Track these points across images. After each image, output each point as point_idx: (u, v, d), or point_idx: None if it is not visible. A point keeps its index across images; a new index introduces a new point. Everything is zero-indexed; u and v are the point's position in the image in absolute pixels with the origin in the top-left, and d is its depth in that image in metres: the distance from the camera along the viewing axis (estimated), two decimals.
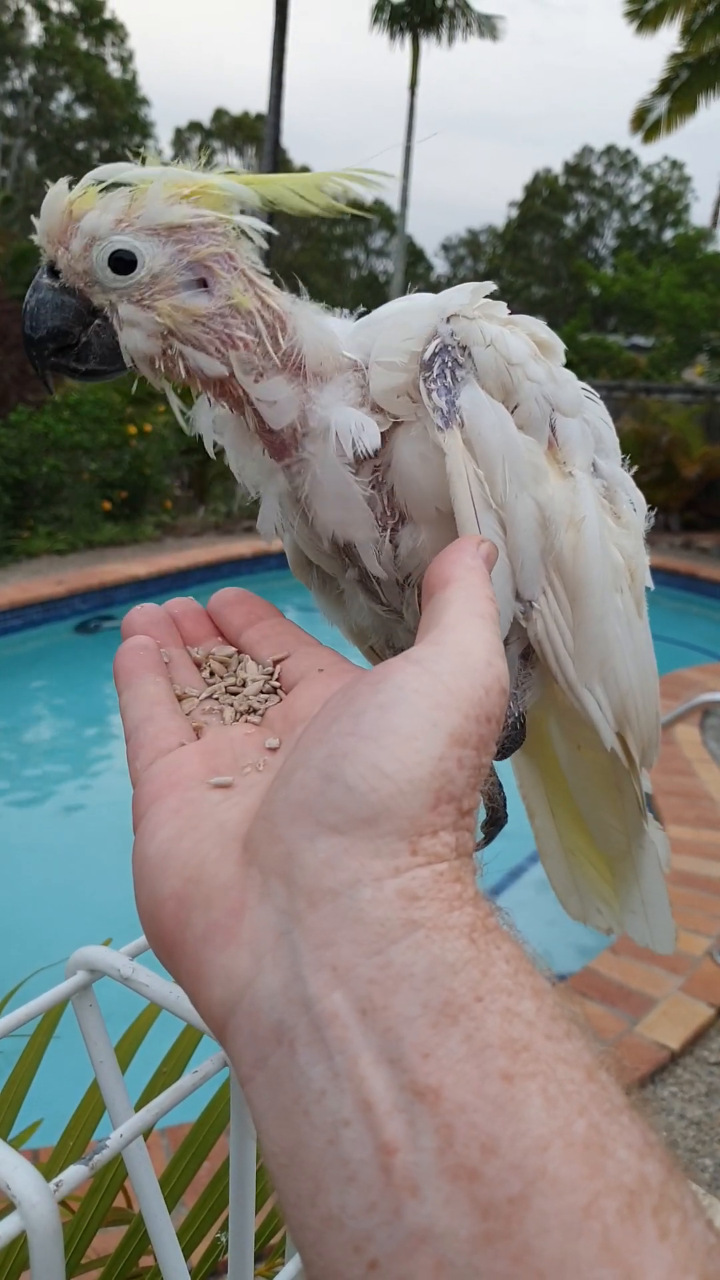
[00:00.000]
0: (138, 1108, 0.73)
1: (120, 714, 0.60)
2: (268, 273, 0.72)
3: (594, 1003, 3.52)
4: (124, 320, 0.68)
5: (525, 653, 0.78)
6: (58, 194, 0.67)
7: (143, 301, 0.67)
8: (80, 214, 0.66)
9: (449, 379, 0.68)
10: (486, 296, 0.75)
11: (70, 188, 0.68)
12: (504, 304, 0.75)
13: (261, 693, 0.62)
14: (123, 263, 0.67)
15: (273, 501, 0.77)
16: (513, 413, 0.70)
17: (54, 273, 0.68)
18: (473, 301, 0.72)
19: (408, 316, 0.71)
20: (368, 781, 0.41)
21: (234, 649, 0.67)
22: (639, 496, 0.85)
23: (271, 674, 0.63)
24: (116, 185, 0.68)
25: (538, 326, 0.77)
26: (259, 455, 0.73)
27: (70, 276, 0.68)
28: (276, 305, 0.70)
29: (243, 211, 0.69)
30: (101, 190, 0.67)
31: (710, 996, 3.56)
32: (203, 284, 0.68)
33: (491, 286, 0.75)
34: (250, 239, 0.70)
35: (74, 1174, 0.57)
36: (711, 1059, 3.34)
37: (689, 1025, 3.41)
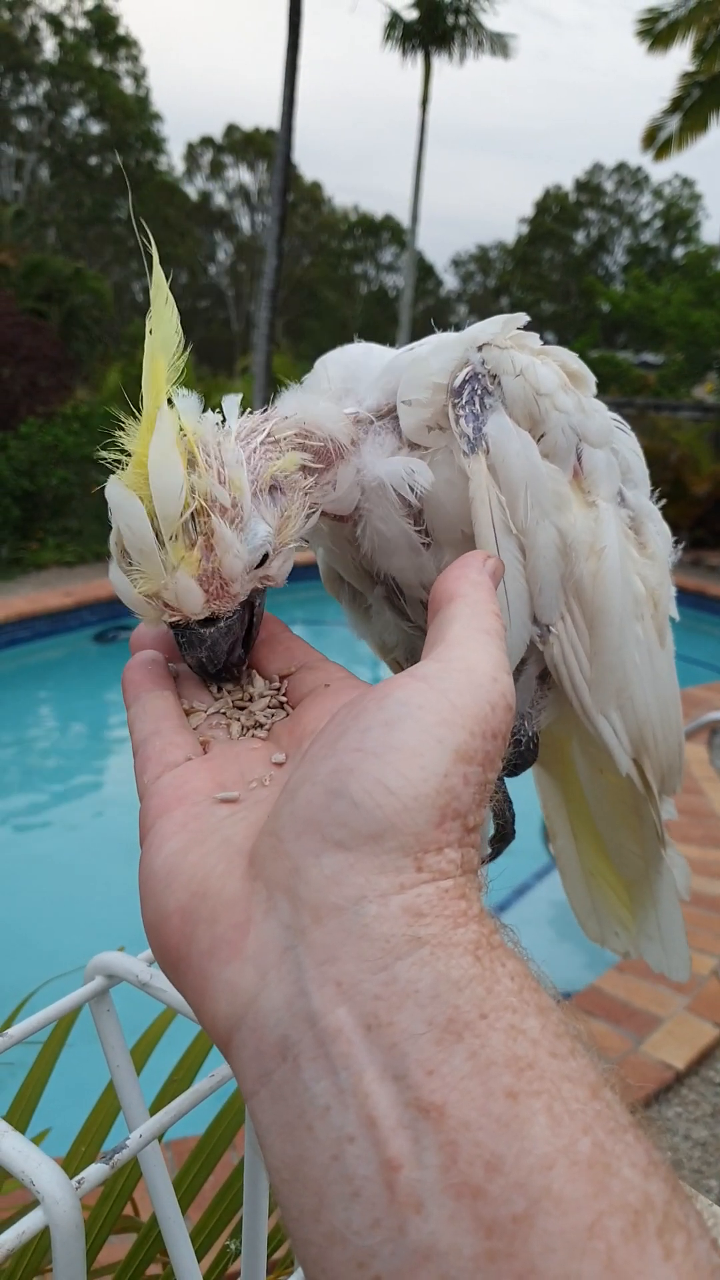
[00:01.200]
0: (153, 1113, 0.73)
1: (128, 727, 0.60)
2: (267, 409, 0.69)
3: (599, 1021, 3.50)
4: (276, 574, 0.65)
5: (543, 675, 0.78)
6: (184, 585, 0.58)
7: (276, 552, 0.65)
8: (219, 567, 0.59)
9: (477, 406, 0.69)
10: (520, 328, 0.76)
11: (167, 568, 0.58)
12: (536, 335, 0.76)
13: (268, 707, 0.62)
14: (264, 556, 0.63)
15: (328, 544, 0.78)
16: (539, 441, 0.71)
17: (209, 620, 0.61)
18: (504, 331, 0.73)
19: (431, 355, 0.71)
20: (373, 798, 0.41)
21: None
22: (665, 529, 0.86)
23: (279, 689, 0.64)
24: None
25: (569, 358, 0.78)
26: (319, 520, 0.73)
27: (233, 609, 0.62)
28: (297, 429, 0.67)
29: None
30: (174, 540, 0.58)
31: (717, 1016, 3.54)
32: (272, 489, 0.65)
33: (525, 318, 0.76)
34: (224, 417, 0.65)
35: (95, 1171, 0.58)
36: (717, 1079, 3.31)
37: (695, 1045, 3.39)
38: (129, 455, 0.58)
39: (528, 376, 0.70)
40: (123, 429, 0.59)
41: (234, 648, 0.63)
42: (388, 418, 0.73)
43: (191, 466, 0.57)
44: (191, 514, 0.57)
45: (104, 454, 0.58)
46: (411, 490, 0.70)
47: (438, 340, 0.74)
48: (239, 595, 0.61)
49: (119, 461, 0.58)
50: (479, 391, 0.69)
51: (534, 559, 0.70)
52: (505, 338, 0.72)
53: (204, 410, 0.61)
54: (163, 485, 0.56)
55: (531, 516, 0.69)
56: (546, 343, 0.77)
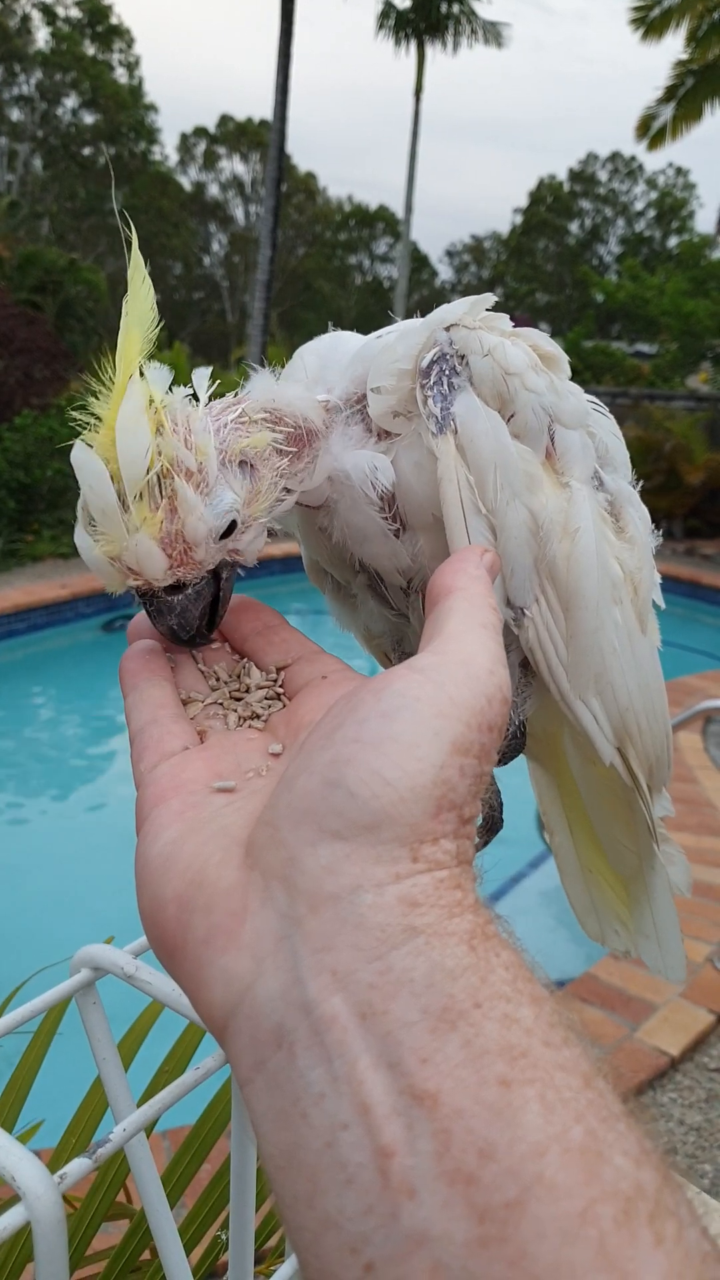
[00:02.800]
0: (141, 1106, 0.73)
1: (125, 716, 0.60)
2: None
3: (594, 1008, 3.52)
4: (245, 550, 0.66)
5: (525, 661, 0.78)
6: (145, 548, 0.58)
7: (244, 527, 0.65)
8: (182, 529, 0.60)
9: (445, 386, 0.68)
10: (489, 310, 0.75)
11: (124, 524, 0.58)
12: (506, 316, 0.76)
13: (265, 698, 0.62)
14: (232, 525, 0.63)
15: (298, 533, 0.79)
16: (509, 421, 0.71)
17: (175, 587, 0.62)
18: (472, 312, 0.73)
19: (396, 342, 0.71)
20: (370, 788, 0.41)
21: (239, 654, 0.68)
22: (645, 513, 0.85)
23: (276, 680, 0.64)
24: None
25: (541, 339, 0.77)
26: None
27: (201, 570, 0.62)
28: (269, 410, 0.68)
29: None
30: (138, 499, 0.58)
31: (710, 1003, 3.56)
32: (243, 464, 0.65)
33: (493, 299, 0.76)
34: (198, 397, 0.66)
35: (78, 1167, 0.57)
36: (711, 1065, 3.33)
37: (689, 1031, 3.41)
38: (97, 420, 0.59)
39: (496, 356, 0.70)
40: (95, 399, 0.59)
41: (202, 616, 0.64)
42: (358, 406, 0.73)
43: (159, 433, 0.58)
44: (156, 477, 0.58)
45: (74, 414, 0.59)
46: (373, 487, 0.70)
47: (404, 326, 0.74)
48: (204, 563, 0.62)
49: (87, 425, 0.59)
50: (446, 372, 0.69)
51: (505, 540, 0.69)
52: (474, 319, 0.72)
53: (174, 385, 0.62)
54: (128, 447, 0.57)
55: (501, 497, 0.69)
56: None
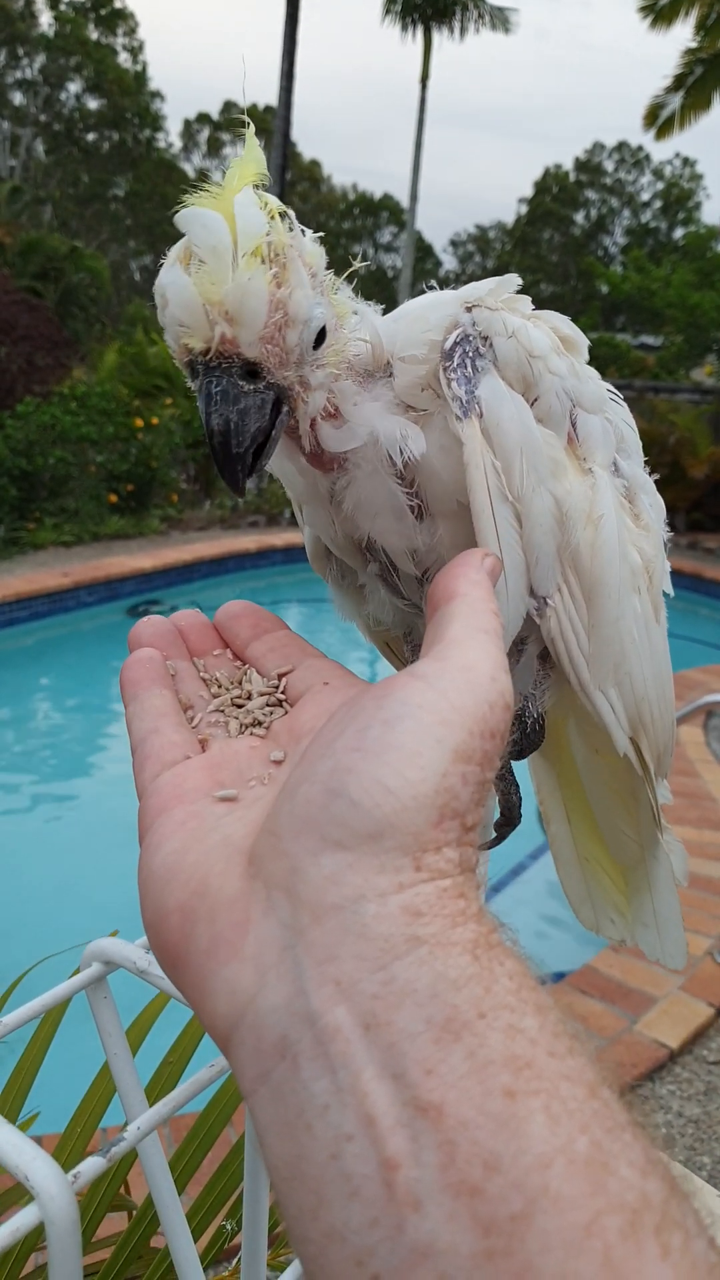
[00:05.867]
0: (149, 1096, 0.73)
1: (126, 725, 0.60)
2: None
3: (594, 1001, 3.52)
4: (314, 388, 0.64)
5: (544, 654, 0.77)
6: (255, 287, 0.56)
7: (320, 363, 0.64)
8: (287, 299, 0.57)
9: (469, 369, 0.67)
10: (513, 292, 0.74)
11: (193, 267, 0.56)
12: (529, 299, 0.75)
13: (267, 705, 0.62)
14: (322, 334, 0.62)
15: (310, 507, 0.77)
16: (532, 405, 0.70)
17: (251, 373, 0.59)
18: (496, 293, 0.72)
19: (428, 310, 0.70)
20: (372, 797, 0.41)
21: (240, 661, 0.67)
22: (659, 501, 0.84)
23: (277, 687, 0.63)
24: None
25: (562, 322, 0.76)
26: (301, 465, 0.72)
27: (279, 372, 0.60)
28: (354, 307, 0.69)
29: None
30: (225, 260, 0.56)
31: (710, 996, 3.56)
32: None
33: (518, 281, 0.75)
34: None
35: (92, 1165, 0.57)
36: (710, 1058, 3.34)
37: (689, 1024, 3.41)
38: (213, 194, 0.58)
39: (520, 338, 0.69)
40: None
41: (263, 440, 0.61)
42: (388, 374, 0.72)
43: (273, 220, 0.58)
44: (269, 245, 0.57)
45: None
46: (401, 454, 0.68)
47: (434, 297, 0.73)
48: (289, 355, 0.60)
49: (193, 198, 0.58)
50: (470, 354, 0.68)
51: (530, 527, 0.68)
52: (497, 300, 0.71)
53: None
54: (247, 213, 0.56)
55: (527, 483, 0.68)
56: None
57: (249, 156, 0.59)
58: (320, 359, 0.63)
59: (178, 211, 0.57)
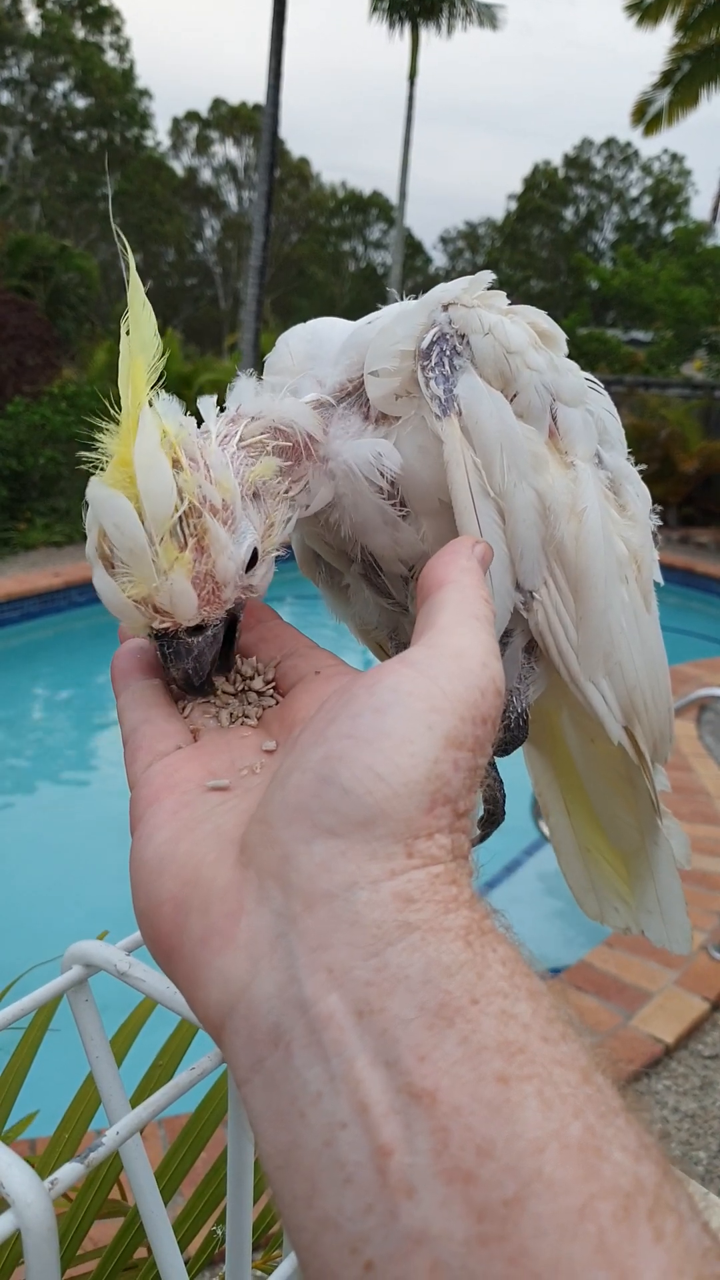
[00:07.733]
0: (134, 1102, 0.72)
1: (118, 716, 0.60)
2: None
3: (588, 996, 3.53)
4: (259, 585, 0.64)
5: (529, 646, 0.77)
6: (179, 587, 0.55)
7: (261, 559, 0.63)
8: (212, 568, 0.57)
9: (446, 367, 0.67)
10: (487, 288, 0.74)
11: (152, 567, 0.55)
12: (504, 294, 0.75)
13: (258, 695, 0.62)
14: (254, 555, 0.61)
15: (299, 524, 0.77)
16: (512, 401, 0.70)
17: (197, 628, 0.59)
18: (470, 290, 0.72)
19: (395, 324, 0.70)
20: (363, 784, 0.41)
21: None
22: (644, 490, 0.84)
23: (269, 676, 0.63)
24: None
25: (539, 316, 0.76)
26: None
27: (223, 609, 0.60)
28: (268, 429, 0.66)
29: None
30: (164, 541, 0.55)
31: (705, 990, 3.57)
32: (254, 496, 0.63)
33: (491, 277, 0.75)
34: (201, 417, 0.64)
35: (69, 1171, 0.56)
36: (706, 1053, 3.35)
37: (684, 1019, 3.42)
38: (109, 456, 0.56)
39: (497, 334, 0.69)
40: (110, 416, 0.57)
41: (213, 661, 0.61)
42: (352, 396, 0.72)
43: (176, 468, 0.56)
44: (181, 515, 0.55)
45: (86, 452, 0.57)
46: (381, 475, 0.68)
47: (400, 308, 0.72)
48: (228, 602, 0.59)
49: (98, 464, 0.57)
50: (448, 352, 0.67)
51: (513, 522, 0.68)
52: (472, 296, 0.71)
53: (185, 413, 0.60)
54: (152, 484, 0.54)
55: (509, 479, 0.68)
56: None
57: (136, 341, 0.57)
58: (259, 563, 0.63)
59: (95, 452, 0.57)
